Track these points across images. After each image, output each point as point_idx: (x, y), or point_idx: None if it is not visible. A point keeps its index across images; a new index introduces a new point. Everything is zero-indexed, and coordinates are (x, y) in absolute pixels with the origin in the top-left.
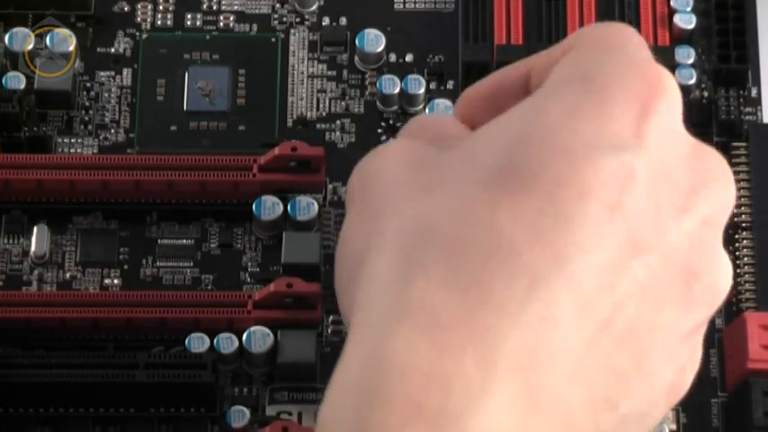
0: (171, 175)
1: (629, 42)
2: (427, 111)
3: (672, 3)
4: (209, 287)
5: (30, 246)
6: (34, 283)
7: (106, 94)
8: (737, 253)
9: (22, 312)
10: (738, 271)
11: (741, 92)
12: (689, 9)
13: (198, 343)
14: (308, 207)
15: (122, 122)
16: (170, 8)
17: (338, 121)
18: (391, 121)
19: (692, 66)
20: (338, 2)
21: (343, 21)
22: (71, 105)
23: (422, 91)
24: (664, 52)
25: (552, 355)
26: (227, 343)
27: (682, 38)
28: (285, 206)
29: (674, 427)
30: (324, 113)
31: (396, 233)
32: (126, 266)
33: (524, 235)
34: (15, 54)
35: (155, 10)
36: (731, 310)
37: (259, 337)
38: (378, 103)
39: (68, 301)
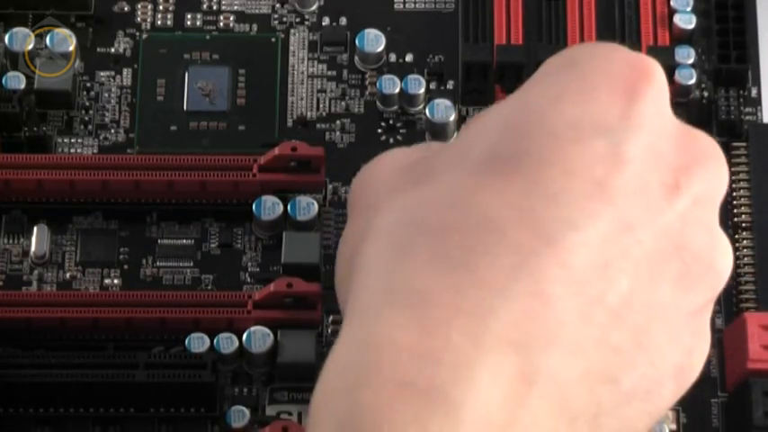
0: (171, 175)
1: (618, 47)
2: (427, 111)
3: (672, 3)
4: (209, 287)
5: (30, 246)
6: (34, 283)
7: (106, 94)
8: (737, 253)
9: (22, 312)
10: (738, 271)
11: (741, 92)
12: (689, 9)
13: (198, 343)
14: (308, 207)
15: (122, 122)
16: (170, 8)
17: (338, 121)
18: (391, 122)
19: (692, 66)
20: (338, 2)
21: (343, 21)
22: (71, 105)
23: (422, 91)
24: (664, 52)
25: (544, 330)
26: (227, 343)
27: (682, 38)
28: (285, 206)
29: (674, 427)
30: (324, 113)
31: (386, 224)
32: (126, 266)
33: (510, 214)
34: (15, 54)
35: (155, 10)
36: (731, 310)
37: (259, 337)
38: (378, 103)
39: (68, 301)
